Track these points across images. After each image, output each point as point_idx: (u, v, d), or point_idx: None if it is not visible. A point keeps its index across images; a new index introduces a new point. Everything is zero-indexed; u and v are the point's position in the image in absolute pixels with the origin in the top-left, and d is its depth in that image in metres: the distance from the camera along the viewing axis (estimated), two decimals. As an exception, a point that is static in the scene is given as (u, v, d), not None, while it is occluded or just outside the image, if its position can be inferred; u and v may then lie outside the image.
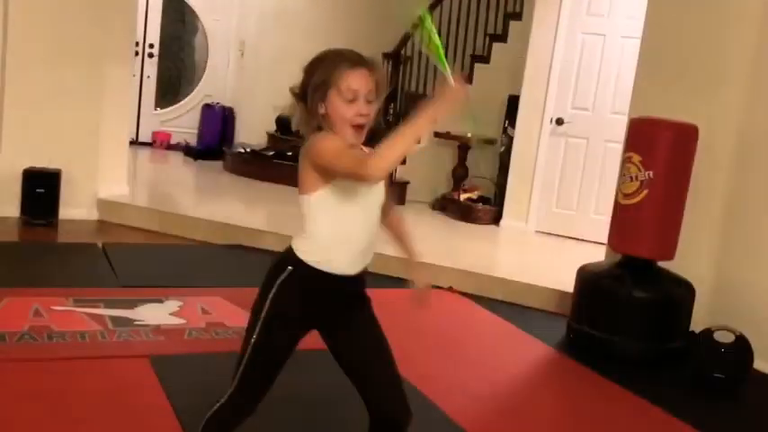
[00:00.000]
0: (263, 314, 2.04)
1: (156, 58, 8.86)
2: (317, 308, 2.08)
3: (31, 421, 2.66)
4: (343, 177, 1.93)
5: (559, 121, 6.32)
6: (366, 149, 2.00)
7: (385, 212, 2.12)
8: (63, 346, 3.32)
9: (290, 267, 2.03)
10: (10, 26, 5.27)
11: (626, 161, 4.04)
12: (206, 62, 9.19)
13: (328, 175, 1.95)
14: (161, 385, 3.03)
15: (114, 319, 3.69)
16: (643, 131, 4.00)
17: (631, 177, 3.97)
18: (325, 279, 2.03)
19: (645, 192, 3.91)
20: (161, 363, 3.24)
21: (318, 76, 1.96)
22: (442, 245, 6.05)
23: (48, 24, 5.36)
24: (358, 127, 1.97)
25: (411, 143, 1.85)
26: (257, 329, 2.05)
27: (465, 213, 6.68)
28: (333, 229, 2.02)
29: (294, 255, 2.05)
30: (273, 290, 2.03)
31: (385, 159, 1.83)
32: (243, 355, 2.09)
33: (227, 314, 3.97)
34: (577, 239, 6.25)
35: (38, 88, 5.38)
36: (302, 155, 1.99)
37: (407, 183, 7.16)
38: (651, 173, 3.90)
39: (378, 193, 2.05)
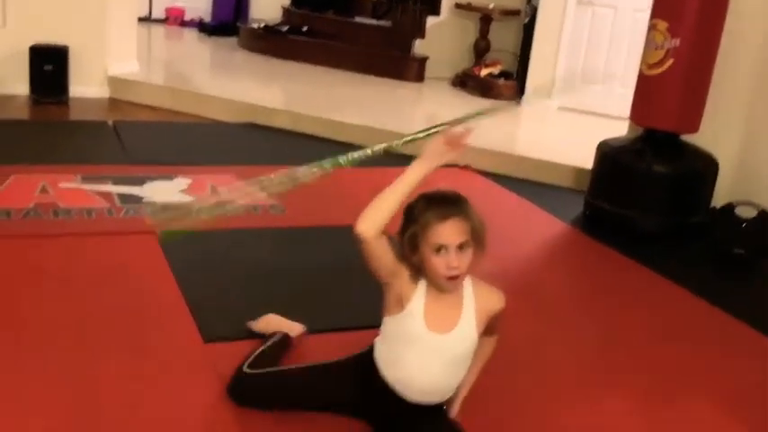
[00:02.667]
0: None
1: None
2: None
3: (36, 296, 2.66)
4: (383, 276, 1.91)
5: (586, -10, 6.00)
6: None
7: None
8: (69, 223, 3.29)
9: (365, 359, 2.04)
10: None
11: (651, 29, 3.81)
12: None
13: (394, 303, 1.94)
14: (166, 260, 3.01)
15: (122, 197, 3.65)
16: (671, -4, 3.75)
17: (656, 46, 3.76)
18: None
19: (670, 61, 3.71)
20: (168, 239, 3.21)
21: (409, 231, 1.86)
22: (461, 122, 5.90)
23: None
24: (452, 278, 1.87)
25: (399, 199, 1.81)
26: None
27: (485, 89, 6.46)
28: (389, 358, 1.99)
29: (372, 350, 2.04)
30: None
31: (367, 217, 1.78)
32: None
33: (237, 192, 3.91)
34: (602, 115, 6.04)
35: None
36: None
37: (427, 58, 6.92)
38: (677, 41, 3.68)
39: (449, 344, 1.92)
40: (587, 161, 4.42)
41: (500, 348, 2.14)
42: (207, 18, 8.60)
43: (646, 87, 3.88)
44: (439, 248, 1.83)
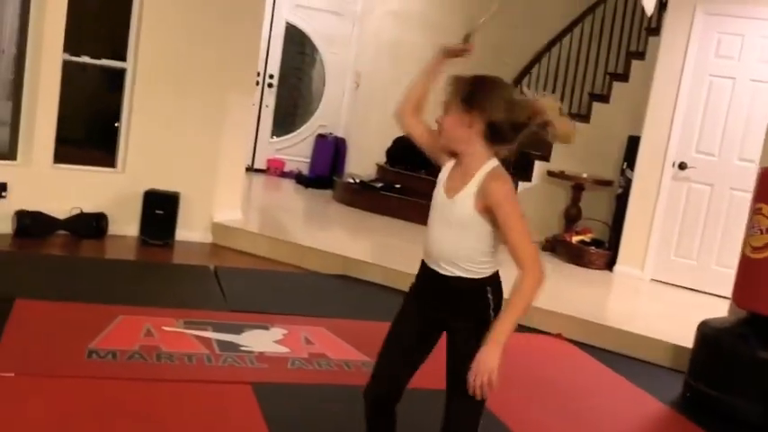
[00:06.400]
0: None
1: (275, 88, 9.10)
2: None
3: (135, 441, 2.70)
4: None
5: (682, 166, 6.05)
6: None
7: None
8: (171, 368, 3.38)
9: None
10: (140, 54, 5.52)
11: (756, 212, 3.80)
12: (322, 93, 9.36)
13: None
14: (262, 414, 3.03)
15: (221, 344, 3.74)
16: (776, 182, 3.76)
17: (761, 230, 3.73)
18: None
19: (776, 246, 3.66)
20: (263, 391, 3.24)
21: None
22: (551, 288, 5.85)
23: (176, 54, 5.59)
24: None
25: (420, 81, 2.36)
26: None
27: (576, 256, 6.46)
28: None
29: None
30: None
31: (401, 101, 2.37)
32: None
33: (329, 346, 3.95)
34: (696, 291, 5.93)
35: (163, 114, 5.60)
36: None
37: (517, 221, 7.00)
38: (784, 226, 3.65)
39: (452, 208, 2.15)
40: (684, 338, 4.32)
41: None
42: (305, 171, 9.02)
43: (749, 270, 3.82)
44: None
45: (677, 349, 4.44)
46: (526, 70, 7.09)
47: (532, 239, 2.12)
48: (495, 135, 2.10)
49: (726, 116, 5.92)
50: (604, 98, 7.09)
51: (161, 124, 5.61)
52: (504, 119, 2.08)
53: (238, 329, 3.97)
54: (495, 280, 2.19)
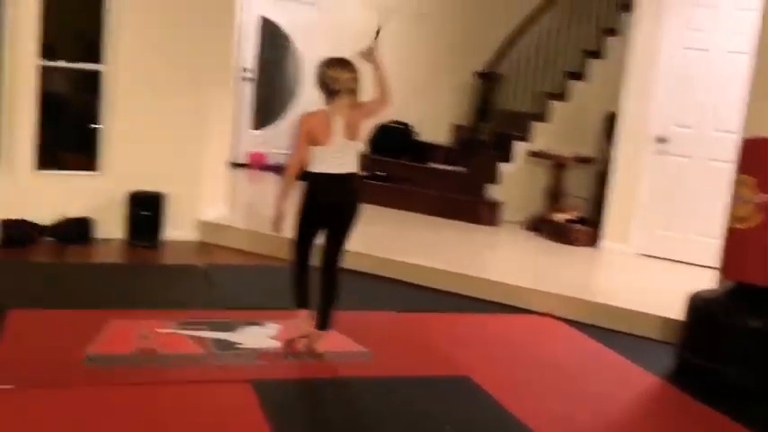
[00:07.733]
0: None
1: (252, 82, 9.04)
2: None
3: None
4: None
5: (661, 139, 6.11)
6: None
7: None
8: (168, 370, 3.38)
9: None
10: (116, 55, 5.47)
11: (738, 183, 3.86)
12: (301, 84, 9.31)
13: None
14: (263, 411, 3.05)
15: (217, 342, 3.75)
16: (757, 152, 3.81)
17: (744, 200, 3.79)
18: None
19: (760, 216, 3.72)
20: (263, 388, 3.26)
21: None
22: (538, 268, 5.93)
23: (151, 53, 5.54)
24: None
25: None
26: None
27: (561, 234, 6.52)
28: None
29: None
30: None
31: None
32: None
33: (325, 338, 3.96)
34: (680, 262, 6.01)
35: (142, 114, 5.56)
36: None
37: (501, 203, 7.06)
38: (766, 196, 3.71)
39: None
40: (672, 310, 4.38)
41: None
42: (286, 163, 8.97)
43: (735, 241, 3.88)
44: None
45: (666, 321, 4.50)
46: (502, 51, 7.12)
47: (297, 156, 3.59)
48: (323, 95, 3.56)
49: (701, 89, 5.98)
50: (580, 76, 7.13)
51: (141, 125, 5.57)
52: (321, 85, 3.56)
53: (233, 327, 3.98)
54: (310, 177, 3.64)
